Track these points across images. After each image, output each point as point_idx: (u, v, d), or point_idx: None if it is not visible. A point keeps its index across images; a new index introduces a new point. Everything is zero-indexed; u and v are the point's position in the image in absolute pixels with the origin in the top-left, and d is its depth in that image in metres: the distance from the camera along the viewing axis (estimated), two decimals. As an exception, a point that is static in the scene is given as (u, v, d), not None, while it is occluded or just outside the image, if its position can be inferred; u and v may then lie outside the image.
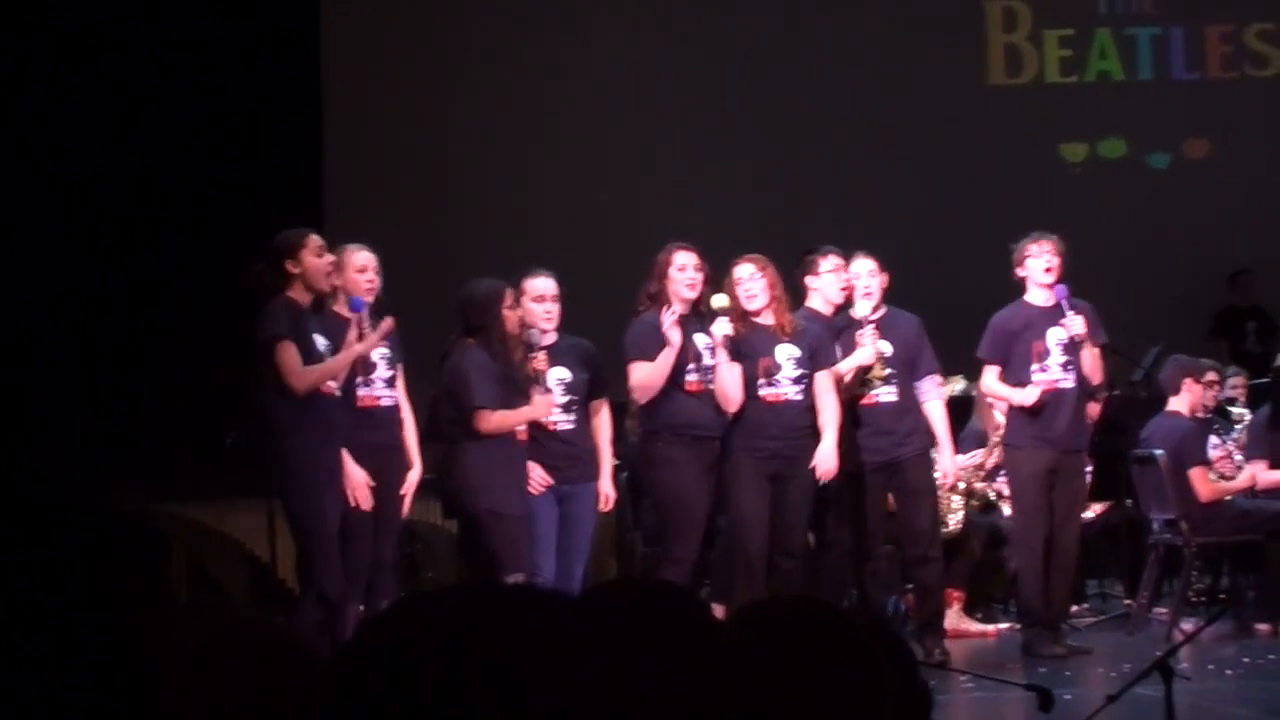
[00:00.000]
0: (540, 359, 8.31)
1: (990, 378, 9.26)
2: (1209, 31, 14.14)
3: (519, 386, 8.19)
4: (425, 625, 1.57)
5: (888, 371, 9.03)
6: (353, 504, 7.67)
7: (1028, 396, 9.06)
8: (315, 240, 7.60)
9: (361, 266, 7.98)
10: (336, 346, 7.63)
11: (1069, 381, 9.11)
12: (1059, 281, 9.11)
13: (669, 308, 8.51)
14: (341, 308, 7.88)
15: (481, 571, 8.12)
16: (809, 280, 9.11)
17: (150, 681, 1.59)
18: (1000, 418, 9.67)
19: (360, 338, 7.67)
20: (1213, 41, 14.14)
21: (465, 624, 1.56)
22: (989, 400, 9.99)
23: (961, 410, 10.49)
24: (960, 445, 9.95)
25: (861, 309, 9.01)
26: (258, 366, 7.46)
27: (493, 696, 1.52)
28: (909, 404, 9.09)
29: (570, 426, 8.46)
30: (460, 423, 8.09)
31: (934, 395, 9.18)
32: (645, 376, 8.53)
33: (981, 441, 10.32)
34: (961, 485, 10.14)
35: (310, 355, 7.49)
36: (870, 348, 8.94)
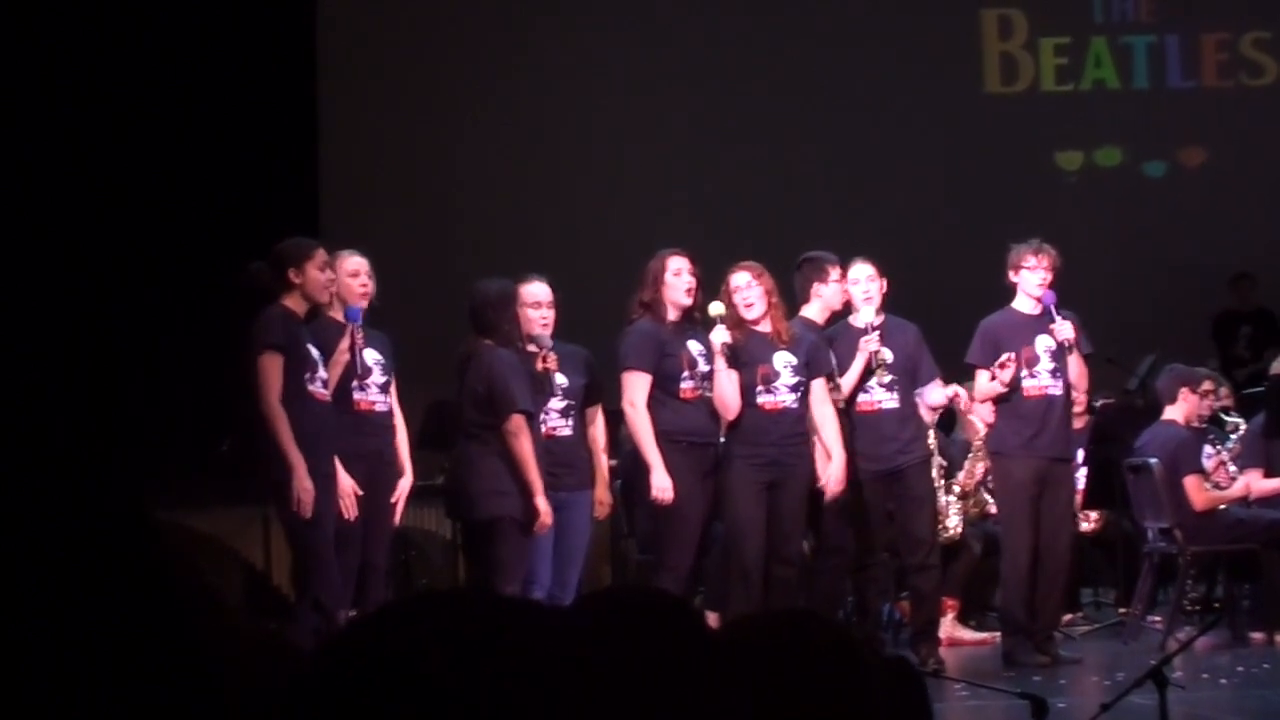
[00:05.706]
0: (552, 359, 8.26)
1: (983, 381, 9.24)
2: (1204, 40, 14.15)
3: (538, 385, 8.15)
4: (411, 630, 1.56)
5: (889, 378, 8.99)
6: (339, 512, 7.65)
7: (995, 388, 9.03)
8: (322, 254, 7.72)
9: (354, 271, 8.01)
10: (327, 353, 7.68)
11: (1057, 389, 9.11)
12: (1048, 288, 9.12)
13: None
14: (337, 313, 7.90)
15: (483, 577, 8.07)
16: (818, 287, 9.05)
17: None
18: (981, 427, 9.64)
19: (352, 347, 7.71)
20: (1208, 50, 14.15)
21: (454, 630, 1.55)
22: (962, 407, 9.96)
23: (951, 420, 10.50)
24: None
25: (865, 315, 8.97)
26: (250, 371, 7.49)
27: (481, 703, 1.51)
28: (910, 411, 9.07)
29: (568, 433, 8.42)
30: (489, 426, 7.95)
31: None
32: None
33: (965, 450, 10.33)
34: (956, 489, 10.14)
35: (305, 364, 7.54)
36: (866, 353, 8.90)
